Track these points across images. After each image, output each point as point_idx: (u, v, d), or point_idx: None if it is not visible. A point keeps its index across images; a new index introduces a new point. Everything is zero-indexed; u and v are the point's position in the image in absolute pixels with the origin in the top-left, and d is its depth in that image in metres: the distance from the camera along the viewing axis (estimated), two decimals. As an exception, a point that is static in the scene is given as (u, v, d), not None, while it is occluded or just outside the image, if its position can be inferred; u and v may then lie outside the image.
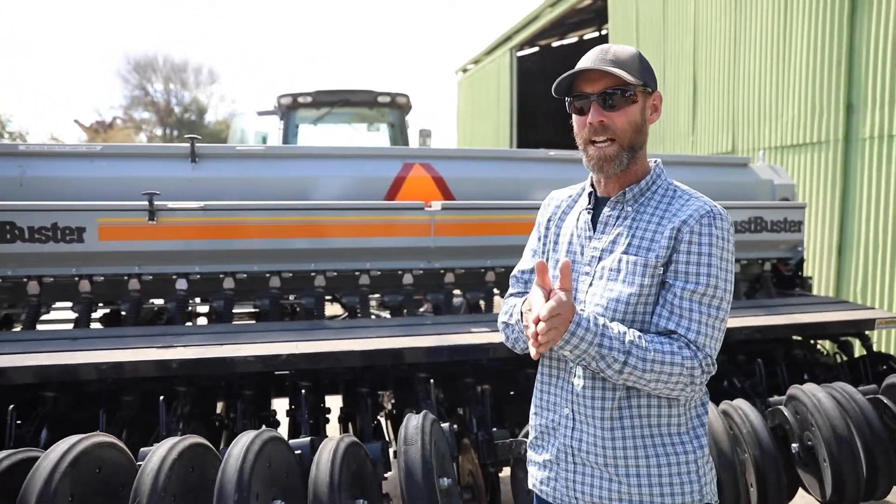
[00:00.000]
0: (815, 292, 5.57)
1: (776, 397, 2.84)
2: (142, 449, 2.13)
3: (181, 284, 3.28)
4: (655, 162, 1.59)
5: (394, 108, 7.04)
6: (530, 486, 1.66)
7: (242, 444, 1.94)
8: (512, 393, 3.32)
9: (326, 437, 2.29)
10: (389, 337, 2.92)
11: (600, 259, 1.53)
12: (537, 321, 1.32)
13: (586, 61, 1.50)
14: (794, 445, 2.60)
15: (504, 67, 13.69)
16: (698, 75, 7.91)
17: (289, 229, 3.31)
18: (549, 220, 1.70)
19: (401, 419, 2.32)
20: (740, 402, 2.65)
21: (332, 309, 4.28)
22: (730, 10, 7.17)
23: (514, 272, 1.77)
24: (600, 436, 1.49)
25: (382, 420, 3.46)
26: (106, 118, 34.53)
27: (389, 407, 3.53)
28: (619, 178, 1.54)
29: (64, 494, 1.79)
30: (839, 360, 3.54)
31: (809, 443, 2.56)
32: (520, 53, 13.60)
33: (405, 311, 3.60)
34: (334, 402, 3.27)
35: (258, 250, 3.32)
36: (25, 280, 3.15)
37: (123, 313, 3.33)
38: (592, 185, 1.62)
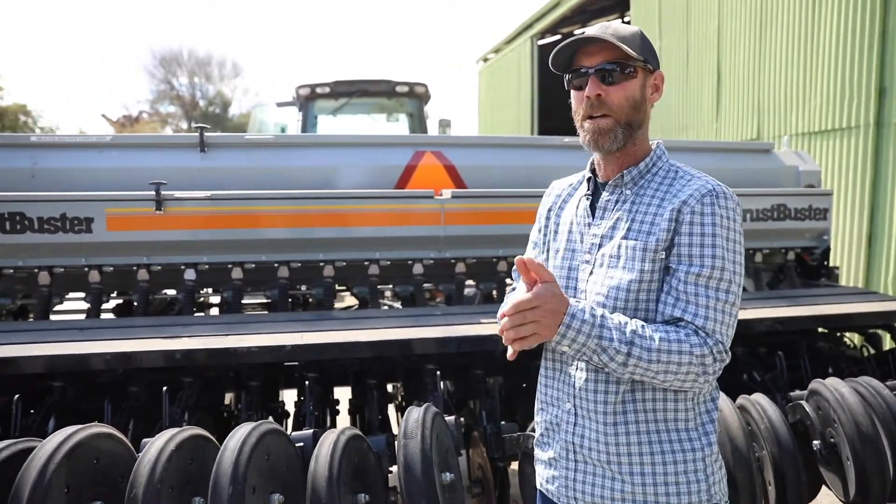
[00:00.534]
0: (843, 283, 5.39)
1: (797, 392, 2.73)
2: (143, 440, 2.11)
3: (189, 274, 3.27)
4: (656, 143, 1.51)
5: (412, 98, 6.99)
6: (537, 485, 1.60)
7: (239, 436, 1.91)
8: (524, 385, 3.25)
9: (334, 429, 2.25)
10: (398, 328, 2.87)
11: (600, 246, 1.46)
12: (502, 317, 1.26)
13: (587, 34, 1.43)
14: (815, 442, 2.49)
15: (525, 56, 13.52)
16: (722, 61, 7.70)
17: (297, 218, 3.28)
18: (549, 210, 1.65)
19: (410, 412, 2.27)
20: (758, 397, 2.55)
21: (350, 299, 4.25)
22: (755, -7, 6.96)
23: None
24: (602, 431, 1.41)
25: (393, 412, 3.42)
26: (132, 112, 35.08)
27: (400, 399, 3.48)
28: (617, 160, 1.47)
29: (59, 485, 1.77)
30: (866, 353, 3.40)
31: (832, 440, 2.45)
32: (541, 42, 13.41)
33: (417, 301, 3.55)
34: (345, 394, 3.24)
35: (266, 240, 3.29)
36: (36, 270, 3.17)
37: (135, 303, 3.33)
38: (592, 171, 1.54)
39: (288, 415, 3.23)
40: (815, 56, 6.02)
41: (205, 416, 2.86)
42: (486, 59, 17.28)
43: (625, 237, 1.42)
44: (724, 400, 2.43)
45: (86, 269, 3.19)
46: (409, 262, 3.50)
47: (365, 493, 2.08)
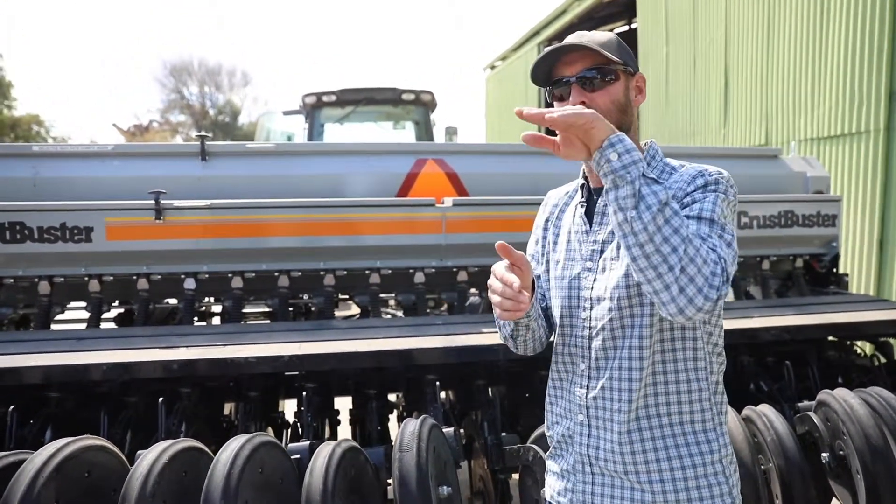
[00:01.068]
0: (853, 290, 5.31)
1: (806, 402, 2.67)
2: (138, 452, 2.09)
3: (189, 284, 3.25)
4: (647, 143, 1.48)
5: (419, 106, 6.97)
6: (547, 498, 1.55)
7: (231, 449, 1.88)
8: (527, 395, 3.21)
9: (334, 440, 2.22)
10: (398, 337, 2.84)
11: (602, 252, 1.43)
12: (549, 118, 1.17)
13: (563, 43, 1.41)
14: (824, 455, 2.43)
15: (532, 63, 13.50)
16: (730, 67, 7.65)
17: (297, 227, 3.26)
18: (546, 221, 1.62)
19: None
20: (764, 408, 2.49)
21: (355, 307, 4.23)
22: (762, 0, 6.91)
23: None
24: (617, 441, 1.37)
25: (394, 423, 3.38)
26: (143, 122, 35.41)
27: (401, 409, 3.44)
28: None
29: (48, 499, 1.74)
30: (877, 362, 3.33)
31: (841, 452, 2.39)
32: (548, 49, 13.40)
33: (419, 310, 3.51)
34: (346, 404, 3.21)
35: (266, 248, 3.27)
36: (37, 280, 3.16)
37: (136, 313, 3.32)
38: (585, 178, 1.51)
39: (288, 425, 3.20)
40: (824, 60, 5.96)
41: (203, 427, 2.84)
42: (493, 67, 17.30)
43: None
44: (729, 411, 2.38)
45: (86, 278, 3.19)
46: (411, 270, 3.47)
47: (361, 506, 2.05)
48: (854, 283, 5.52)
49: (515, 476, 2.64)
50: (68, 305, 3.42)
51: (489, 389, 2.97)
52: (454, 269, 3.50)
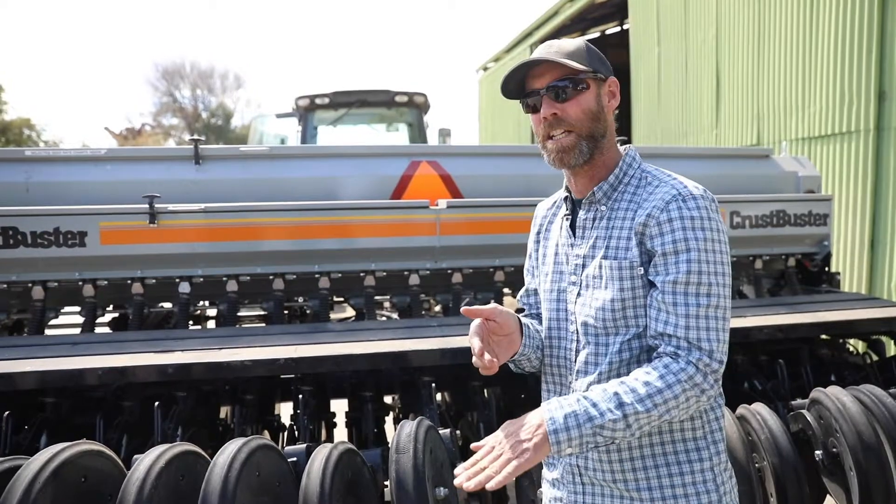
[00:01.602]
0: (845, 289, 5.34)
1: (799, 401, 2.69)
2: (134, 456, 2.08)
3: (184, 288, 3.24)
4: (625, 149, 1.47)
5: (412, 108, 6.98)
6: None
7: (228, 452, 1.88)
8: (522, 396, 3.22)
9: (331, 442, 2.22)
10: (393, 339, 2.84)
11: (584, 266, 1.43)
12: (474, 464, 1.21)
13: (531, 57, 1.42)
14: (817, 452, 2.45)
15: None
16: (721, 67, 7.69)
17: (292, 230, 3.26)
18: (538, 234, 1.63)
19: (407, 424, 2.23)
20: (758, 407, 2.51)
21: (349, 311, 4.23)
22: (753, 0, 6.95)
23: (519, 294, 1.71)
24: (605, 450, 1.38)
25: (391, 424, 3.38)
26: (136, 125, 35.25)
27: (397, 411, 3.45)
28: (587, 173, 1.44)
29: (45, 505, 1.74)
30: (869, 360, 3.36)
31: (834, 449, 2.41)
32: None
33: (414, 312, 3.52)
34: (342, 406, 3.21)
35: (261, 252, 3.27)
36: (30, 285, 3.15)
37: (130, 317, 3.31)
38: (568, 189, 1.51)
39: (284, 428, 3.20)
40: (815, 61, 6.00)
41: (199, 431, 2.83)
42: (485, 68, 17.32)
43: (604, 256, 1.39)
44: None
45: (80, 283, 3.18)
46: (406, 272, 3.47)
47: (358, 508, 2.05)
48: (846, 281, 5.55)
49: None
50: (62, 310, 3.41)
51: (484, 391, 2.97)
52: (449, 271, 3.51)
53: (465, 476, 1.19)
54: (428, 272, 3.48)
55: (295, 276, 3.38)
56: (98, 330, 3.40)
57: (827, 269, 4.02)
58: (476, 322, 1.35)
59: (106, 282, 3.20)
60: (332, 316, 3.76)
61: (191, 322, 3.45)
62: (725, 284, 1.31)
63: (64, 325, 3.66)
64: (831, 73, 5.77)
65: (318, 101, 6.67)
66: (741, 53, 7.24)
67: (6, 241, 2.99)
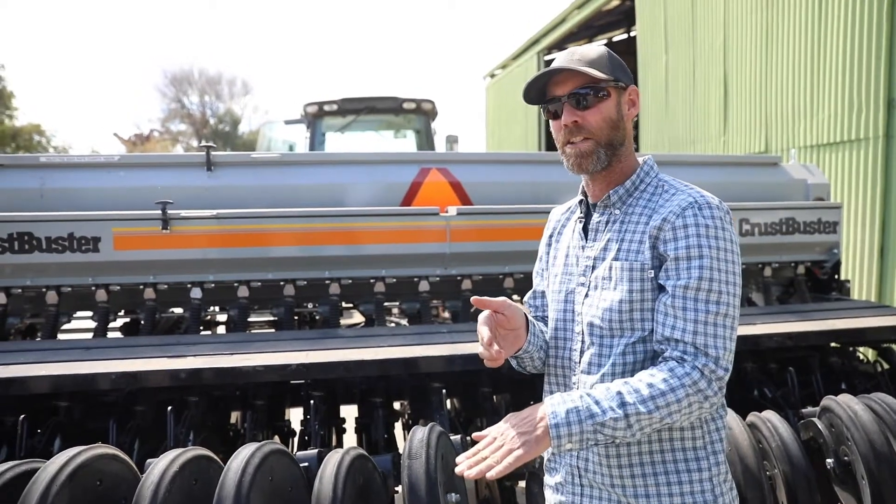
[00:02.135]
0: (855, 297, 5.32)
1: (810, 408, 2.68)
2: (148, 460, 2.10)
3: (196, 293, 3.27)
4: (644, 159, 1.50)
5: (420, 115, 7.02)
6: None
7: (242, 457, 1.89)
8: (531, 402, 3.21)
9: (341, 448, 2.23)
10: (403, 346, 2.86)
11: (593, 268, 1.45)
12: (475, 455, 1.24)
13: (554, 65, 1.44)
14: (829, 461, 2.44)
15: (532, 71, 13.58)
16: (729, 75, 7.70)
17: (303, 236, 3.29)
18: (550, 237, 1.65)
19: (417, 431, 2.24)
20: (769, 414, 2.50)
21: (358, 316, 4.24)
22: (761, 7, 6.95)
23: (527, 296, 1.73)
24: (604, 454, 1.39)
25: (400, 431, 3.39)
26: (144, 131, 35.52)
27: (406, 417, 3.46)
28: (605, 179, 1.46)
29: (62, 508, 1.76)
30: (880, 368, 3.35)
31: (846, 458, 2.40)
32: (547, 57, 13.48)
33: (423, 318, 3.53)
34: (351, 412, 3.22)
35: (272, 258, 3.29)
36: (44, 290, 3.18)
37: (142, 322, 3.34)
38: (584, 193, 1.54)
39: (294, 433, 3.21)
40: (823, 68, 6.00)
41: (210, 436, 2.85)
42: (493, 75, 17.38)
43: (615, 258, 1.40)
44: (734, 417, 2.39)
45: (93, 288, 3.21)
46: (415, 279, 3.49)
47: (370, 513, 2.06)
48: (855, 289, 5.53)
49: (522, 483, 2.66)
50: (75, 315, 3.44)
51: (494, 397, 2.98)
52: (458, 278, 3.52)
53: (467, 464, 1.22)
54: (438, 279, 3.50)
55: (305, 283, 3.40)
56: (110, 335, 3.42)
57: (836, 276, 4.01)
58: (486, 313, 1.37)
59: (119, 287, 3.23)
60: (342, 322, 3.78)
61: (201, 327, 3.46)
62: (735, 294, 1.32)
63: (76, 329, 3.68)
64: (840, 80, 5.77)
65: (326, 107, 6.72)
66: (749, 60, 7.24)
67: (21, 247, 3.02)
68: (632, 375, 1.34)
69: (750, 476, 2.23)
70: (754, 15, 7.11)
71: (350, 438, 3.16)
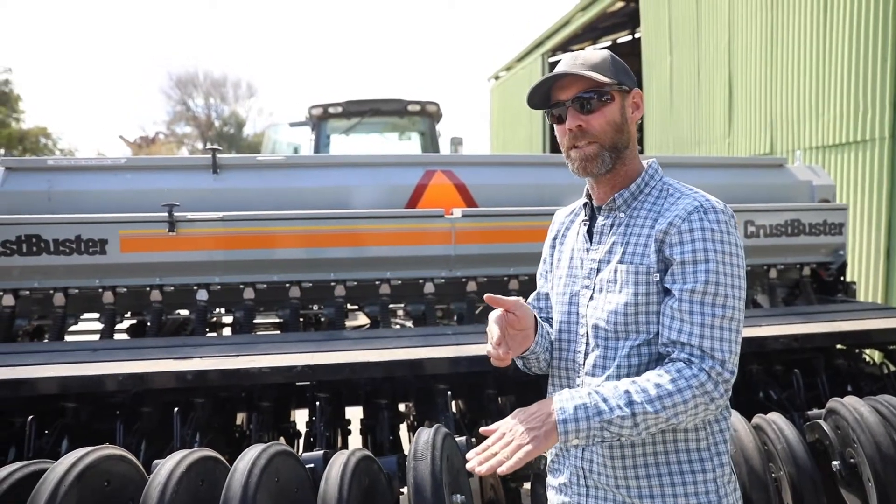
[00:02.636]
0: (861, 298, 5.31)
1: (815, 410, 2.67)
2: (155, 461, 2.11)
3: (202, 295, 3.28)
4: (648, 163, 1.51)
5: (424, 117, 7.03)
6: None
7: (248, 458, 1.90)
8: (536, 404, 3.22)
9: (346, 449, 2.23)
10: (408, 347, 2.86)
11: (598, 271, 1.46)
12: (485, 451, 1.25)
13: (557, 69, 1.46)
14: (835, 463, 2.44)
15: (536, 73, 13.59)
16: (734, 76, 7.69)
17: (308, 238, 3.30)
18: (553, 240, 1.66)
19: (422, 432, 2.25)
20: (774, 416, 2.50)
21: (363, 318, 4.25)
22: (766, 8, 6.94)
23: (530, 298, 1.74)
24: (609, 455, 1.40)
25: (405, 432, 3.40)
26: (149, 134, 35.67)
27: (412, 419, 3.46)
28: (609, 182, 1.47)
29: (70, 508, 1.77)
30: (886, 370, 3.33)
31: (852, 460, 2.40)
32: (552, 59, 13.49)
33: (428, 320, 3.54)
34: (356, 414, 3.23)
35: (278, 260, 3.31)
36: (52, 292, 3.20)
37: (148, 324, 3.35)
38: (588, 196, 1.55)
39: (299, 435, 3.22)
40: (828, 69, 5.99)
41: (216, 437, 2.86)
42: (497, 77, 17.39)
43: (620, 261, 1.41)
44: (739, 419, 2.39)
45: (100, 290, 3.23)
46: (420, 281, 3.49)
47: (375, 515, 2.07)
48: (861, 291, 5.52)
49: (527, 485, 2.66)
50: (81, 317, 3.46)
51: (499, 398, 2.98)
52: (463, 280, 3.52)
53: (477, 461, 1.24)
54: (443, 281, 3.50)
55: (311, 284, 3.41)
56: (116, 337, 3.44)
57: (842, 278, 4.00)
58: (497, 312, 1.37)
59: (125, 289, 3.25)
60: (347, 324, 3.79)
61: (207, 329, 3.48)
62: (740, 297, 1.34)
63: (83, 331, 3.70)
64: (845, 82, 5.76)
65: (331, 110, 6.74)
66: (754, 62, 7.23)
67: (29, 249, 3.04)
68: (637, 376, 1.35)
69: (755, 478, 2.23)
70: (759, 16, 7.10)
71: (355, 440, 3.17)
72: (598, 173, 1.44)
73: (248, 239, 3.23)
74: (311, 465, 2.16)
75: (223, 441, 2.97)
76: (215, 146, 3.50)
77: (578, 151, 1.43)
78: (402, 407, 3.41)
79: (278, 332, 4.00)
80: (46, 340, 3.43)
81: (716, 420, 1.42)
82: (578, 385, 1.46)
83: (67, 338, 3.41)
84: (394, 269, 3.44)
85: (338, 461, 2.05)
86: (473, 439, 2.74)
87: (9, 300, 3.18)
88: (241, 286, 3.34)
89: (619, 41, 13.68)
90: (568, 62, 1.45)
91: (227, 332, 4.19)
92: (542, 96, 1.49)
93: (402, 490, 2.36)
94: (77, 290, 3.22)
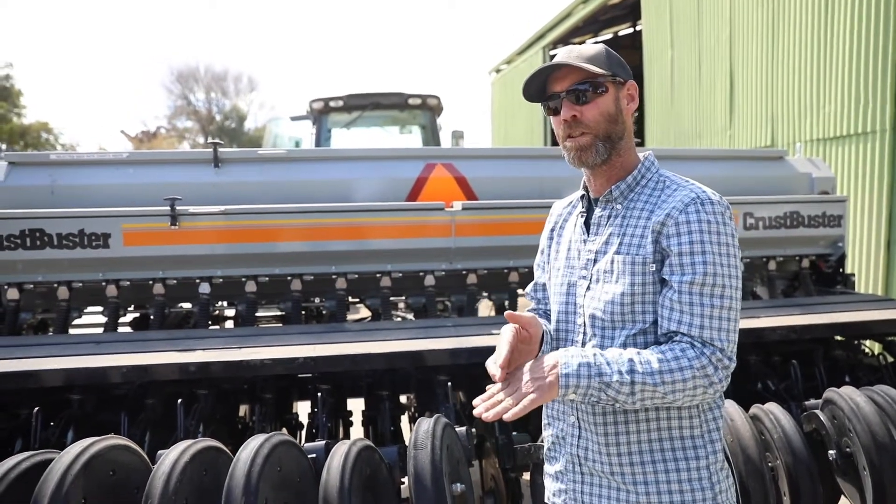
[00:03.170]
0: (861, 290, 5.32)
1: (813, 401, 2.70)
2: (158, 452, 2.14)
3: (204, 288, 3.31)
4: (644, 155, 1.52)
5: (425, 110, 7.04)
6: (546, 501, 1.60)
7: (251, 448, 1.93)
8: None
9: (348, 440, 2.26)
10: (409, 339, 2.89)
11: (595, 261, 1.48)
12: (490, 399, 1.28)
13: (552, 61, 1.47)
14: (831, 452, 2.46)
15: (537, 67, 13.48)
16: (735, 68, 7.67)
17: (310, 231, 3.32)
18: (551, 231, 1.68)
19: (423, 423, 2.27)
20: (771, 406, 2.52)
21: (364, 310, 4.28)
22: (767, 0, 6.93)
23: (528, 289, 1.76)
24: (603, 443, 1.42)
25: (406, 423, 3.43)
26: (151, 128, 35.68)
27: (413, 410, 3.49)
28: (606, 173, 1.49)
29: (76, 497, 1.80)
30: (884, 361, 3.35)
31: (848, 449, 2.42)
32: (553, 52, 13.44)
33: (429, 312, 3.56)
34: (358, 405, 3.26)
35: (279, 253, 3.33)
36: (56, 285, 3.23)
37: (151, 317, 3.39)
38: (585, 188, 1.57)
39: (301, 426, 3.26)
40: (829, 61, 5.98)
41: (219, 428, 2.89)
42: (498, 70, 17.35)
43: (617, 252, 1.43)
44: (735, 409, 2.41)
45: (103, 283, 3.25)
46: (421, 273, 3.52)
47: (376, 503, 2.09)
48: (861, 283, 5.53)
49: (526, 475, 2.69)
50: (85, 310, 3.49)
51: (499, 390, 3.00)
52: (463, 272, 3.55)
53: (484, 407, 1.27)
54: (443, 273, 3.53)
55: (312, 277, 3.44)
56: (120, 330, 3.47)
57: (841, 270, 4.02)
58: (511, 328, 1.37)
59: (128, 282, 3.28)
60: (348, 316, 3.82)
61: (210, 322, 3.51)
62: (737, 287, 1.36)
63: (87, 324, 3.73)
64: (846, 74, 5.75)
65: (332, 103, 6.75)
66: (755, 55, 7.22)
67: (33, 243, 3.07)
68: None
69: (752, 467, 2.25)
70: (760, 9, 7.08)
71: (357, 431, 3.20)
72: (594, 163, 1.46)
73: (249, 232, 3.26)
74: (313, 455, 2.18)
75: (226, 432, 3.01)
76: (217, 140, 3.52)
77: (573, 142, 1.45)
78: (403, 398, 3.44)
79: (280, 324, 4.03)
80: (51, 333, 3.47)
81: (709, 408, 1.44)
82: None
83: (71, 331, 3.44)
84: (394, 261, 3.46)
85: (339, 451, 2.07)
86: (473, 430, 2.78)
87: (13, 294, 3.21)
88: (243, 279, 3.36)
89: (621, 34, 13.63)
90: (563, 54, 1.47)
91: (229, 325, 4.22)
92: (538, 89, 1.51)
93: (403, 479, 2.39)
94: (81, 284, 3.25)
